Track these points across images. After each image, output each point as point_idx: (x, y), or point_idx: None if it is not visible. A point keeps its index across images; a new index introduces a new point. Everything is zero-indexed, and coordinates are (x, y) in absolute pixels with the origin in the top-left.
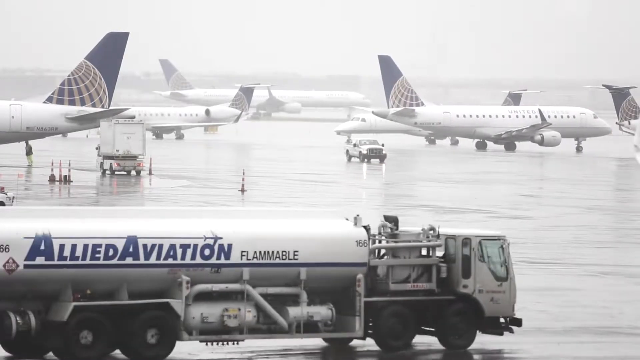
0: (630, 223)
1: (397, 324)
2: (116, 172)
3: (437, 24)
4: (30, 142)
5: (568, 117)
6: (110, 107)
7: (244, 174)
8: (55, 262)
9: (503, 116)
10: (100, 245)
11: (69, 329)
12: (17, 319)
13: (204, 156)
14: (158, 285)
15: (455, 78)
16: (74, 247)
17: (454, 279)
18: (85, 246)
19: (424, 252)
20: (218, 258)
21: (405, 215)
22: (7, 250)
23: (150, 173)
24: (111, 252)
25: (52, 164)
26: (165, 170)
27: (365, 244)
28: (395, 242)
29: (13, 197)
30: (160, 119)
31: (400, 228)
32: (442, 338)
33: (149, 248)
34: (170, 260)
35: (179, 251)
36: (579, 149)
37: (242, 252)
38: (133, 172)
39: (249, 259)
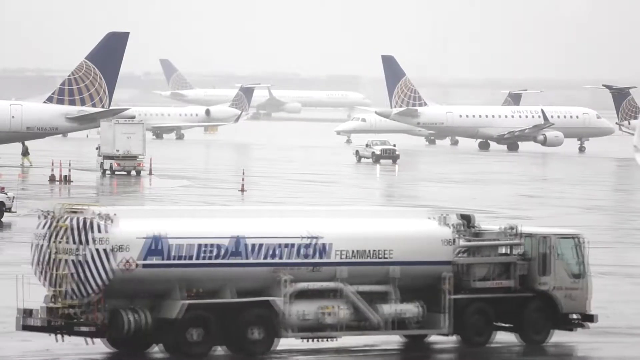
0: (630, 223)
1: (480, 321)
2: (116, 172)
3: (437, 24)
4: (27, 142)
5: (571, 117)
6: (111, 107)
7: (243, 174)
8: (169, 261)
9: (506, 116)
10: (208, 245)
11: (180, 326)
12: (131, 316)
13: (204, 156)
14: (260, 283)
15: (455, 78)
16: (185, 247)
17: (532, 276)
18: (196, 246)
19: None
20: (317, 257)
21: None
22: (126, 250)
23: (150, 173)
24: (219, 252)
25: (52, 164)
26: (165, 170)
27: (451, 243)
28: (480, 240)
29: (13, 197)
30: (160, 119)
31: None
32: (521, 334)
33: (253, 248)
34: (272, 260)
35: (281, 251)
36: (581, 149)
37: (339, 251)
38: (133, 172)
39: (346, 258)
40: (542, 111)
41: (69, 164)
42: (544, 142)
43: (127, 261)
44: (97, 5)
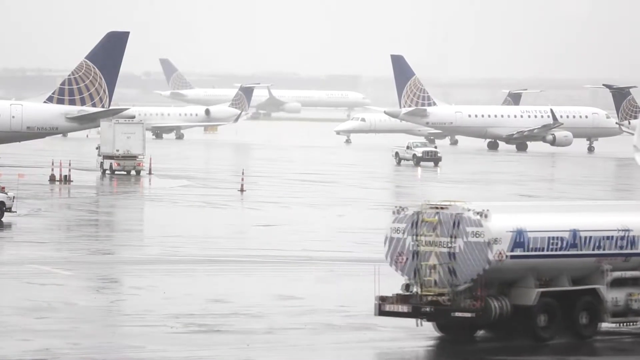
0: None
1: None
2: (116, 172)
3: (436, 24)
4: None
5: (580, 117)
6: (111, 107)
7: (243, 174)
8: (527, 252)
9: (515, 116)
10: (555, 238)
11: (534, 313)
12: (497, 303)
13: (204, 156)
14: (586, 273)
15: (455, 78)
16: (539, 239)
17: None
18: (546, 238)
19: None
20: (629, 248)
21: None
22: (499, 242)
23: (150, 173)
24: (561, 244)
25: (52, 164)
26: (165, 170)
27: None
28: None
29: (14, 197)
30: (160, 119)
31: None
32: None
33: (585, 240)
34: (598, 251)
35: (604, 242)
36: (590, 149)
37: None
38: (133, 172)
39: None
40: (552, 111)
41: (69, 164)
42: (553, 142)
43: (500, 253)
44: (97, 5)
